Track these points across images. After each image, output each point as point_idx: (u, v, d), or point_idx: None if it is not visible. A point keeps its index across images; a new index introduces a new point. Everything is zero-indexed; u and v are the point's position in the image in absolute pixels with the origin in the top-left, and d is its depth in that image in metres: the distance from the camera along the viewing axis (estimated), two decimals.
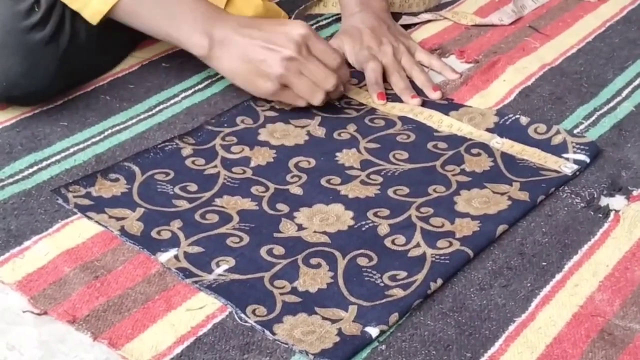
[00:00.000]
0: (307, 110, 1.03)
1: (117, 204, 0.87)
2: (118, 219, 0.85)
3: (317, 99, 0.98)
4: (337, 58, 0.98)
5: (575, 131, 1.00)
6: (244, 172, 0.92)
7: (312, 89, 0.97)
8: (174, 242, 0.82)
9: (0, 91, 0.97)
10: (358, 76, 1.09)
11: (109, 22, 1.07)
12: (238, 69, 0.97)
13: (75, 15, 1.02)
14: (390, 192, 0.90)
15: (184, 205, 0.87)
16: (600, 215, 0.87)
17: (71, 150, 0.96)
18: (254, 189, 0.90)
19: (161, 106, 1.04)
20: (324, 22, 1.24)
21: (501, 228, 0.85)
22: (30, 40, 0.95)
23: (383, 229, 0.85)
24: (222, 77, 1.09)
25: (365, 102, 1.05)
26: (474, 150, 0.96)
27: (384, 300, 0.76)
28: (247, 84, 0.98)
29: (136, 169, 0.92)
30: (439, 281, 0.78)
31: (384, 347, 0.73)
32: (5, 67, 0.94)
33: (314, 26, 1.22)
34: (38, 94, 0.99)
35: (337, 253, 0.81)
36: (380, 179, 0.92)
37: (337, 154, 0.96)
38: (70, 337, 0.73)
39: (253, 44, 0.96)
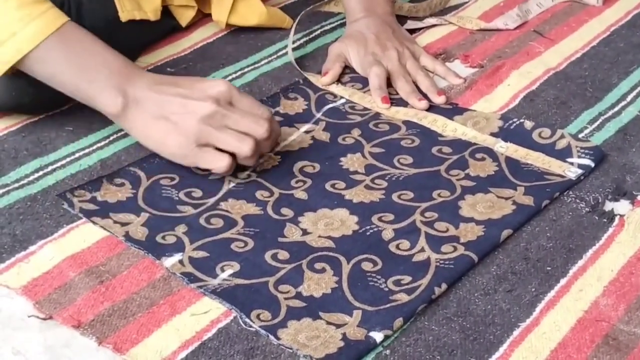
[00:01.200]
0: (311, 115, 1.03)
1: (122, 209, 0.87)
2: (123, 224, 0.85)
3: (246, 149, 0.87)
4: (267, 111, 0.90)
5: (579, 136, 1.00)
6: (249, 176, 0.92)
7: (238, 138, 0.87)
8: (178, 246, 0.83)
9: (10, 100, 0.97)
10: (362, 81, 1.09)
11: (115, 30, 1.07)
12: (152, 128, 0.88)
13: (80, 22, 1.02)
14: (394, 196, 0.90)
15: (188, 210, 0.87)
16: (605, 220, 0.87)
17: (76, 155, 0.96)
18: (258, 194, 0.90)
19: None
20: (329, 26, 1.24)
21: (505, 233, 0.85)
22: None
23: (387, 233, 0.85)
24: None
25: (370, 107, 1.05)
26: (479, 155, 0.96)
27: (388, 305, 0.76)
28: (161, 144, 0.89)
29: (141, 174, 0.92)
30: (444, 286, 0.78)
31: (388, 352, 0.73)
32: (14, 75, 0.95)
33: (318, 30, 1.23)
34: (47, 101, 1.00)
35: (341, 258, 0.82)
36: (385, 184, 0.92)
37: (342, 158, 0.96)
38: (75, 341, 0.73)
39: (169, 101, 0.87)
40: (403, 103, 1.05)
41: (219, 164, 0.88)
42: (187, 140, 0.87)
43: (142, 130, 0.89)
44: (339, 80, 1.09)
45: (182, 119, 0.87)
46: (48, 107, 1.01)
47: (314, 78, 1.10)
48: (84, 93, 0.90)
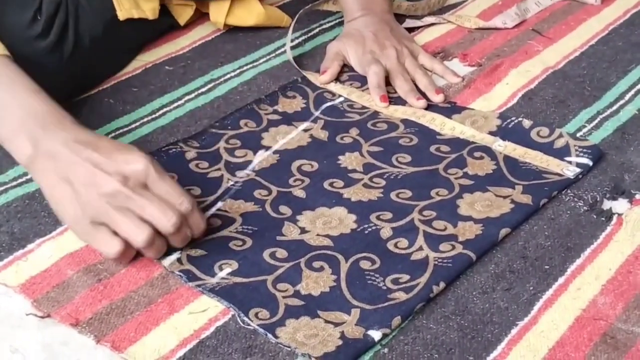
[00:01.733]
0: (310, 114, 1.03)
1: None
2: None
3: (140, 239, 0.76)
4: (186, 202, 0.78)
5: (578, 134, 1.00)
6: (247, 175, 0.92)
7: (136, 225, 0.76)
8: None
9: None
10: (361, 80, 1.09)
11: (113, 28, 1.07)
12: (55, 189, 0.78)
13: (78, 21, 1.02)
14: (393, 195, 0.90)
15: None
16: (603, 219, 0.87)
17: None
18: (257, 192, 0.90)
19: (164, 109, 1.04)
20: (327, 25, 1.24)
21: (504, 231, 0.85)
22: (35, 48, 0.95)
23: (386, 232, 0.85)
24: (225, 81, 1.10)
25: (368, 105, 1.05)
26: (477, 154, 0.96)
27: (386, 304, 0.76)
28: (59, 209, 0.79)
29: None
30: (442, 284, 0.78)
31: (386, 350, 0.73)
32: None
33: (317, 29, 1.23)
34: None
35: (339, 256, 0.82)
36: (383, 182, 0.92)
37: (340, 157, 0.96)
38: (73, 340, 0.73)
39: (79, 165, 0.77)
40: (402, 102, 1.05)
41: (108, 249, 0.78)
42: (82, 214, 0.77)
43: (47, 188, 0.79)
44: (337, 79, 1.09)
45: (85, 189, 0.77)
46: None
47: (312, 77, 1.10)
48: None
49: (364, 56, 1.09)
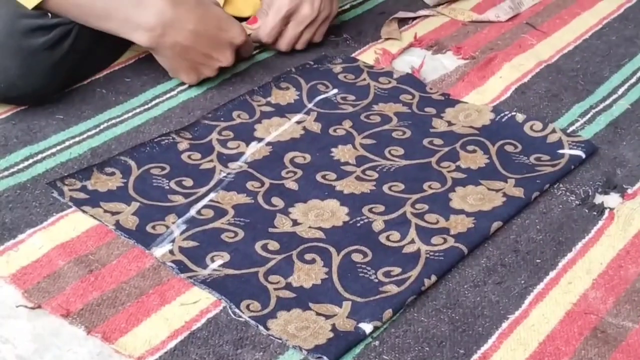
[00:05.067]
0: (303, 106, 1.03)
1: (112, 198, 0.87)
2: (113, 213, 0.85)
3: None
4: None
5: (571, 129, 1.00)
6: (240, 167, 0.92)
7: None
8: (169, 236, 0.82)
9: None
10: (355, 72, 1.09)
11: None
12: (175, 63, 1.01)
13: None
14: (385, 188, 0.90)
15: (179, 200, 0.87)
16: (595, 213, 0.88)
17: (67, 143, 0.96)
18: (249, 184, 0.90)
19: (157, 100, 1.04)
20: None
21: (495, 225, 0.85)
22: (30, 43, 0.94)
23: (378, 225, 0.85)
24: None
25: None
26: (470, 147, 0.96)
27: (378, 297, 0.76)
28: (176, 73, 1.03)
29: (132, 163, 0.92)
30: (433, 278, 0.78)
31: (377, 343, 0.73)
32: (3, 68, 0.94)
33: None
34: (35, 95, 0.99)
35: (331, 249, 0.82)
36: (376, 175, 0.92)
37: (333, 149, 0.96)
38: (64, 330, 0.73)
39: (197, 46, 0.99)
40: None
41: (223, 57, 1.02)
42: (198, 79, 1.04)
43: (167, 64, 1.02)
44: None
45: (203, 67, 1.03)
46: (36, 100, 1.00)
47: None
48: (115, 20, 0.96)
49: None
